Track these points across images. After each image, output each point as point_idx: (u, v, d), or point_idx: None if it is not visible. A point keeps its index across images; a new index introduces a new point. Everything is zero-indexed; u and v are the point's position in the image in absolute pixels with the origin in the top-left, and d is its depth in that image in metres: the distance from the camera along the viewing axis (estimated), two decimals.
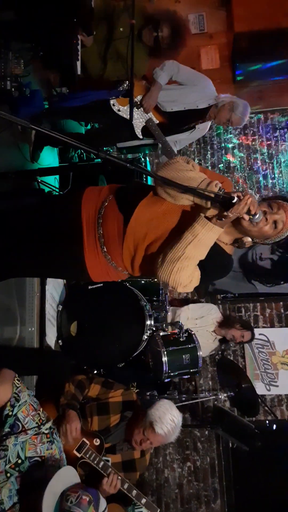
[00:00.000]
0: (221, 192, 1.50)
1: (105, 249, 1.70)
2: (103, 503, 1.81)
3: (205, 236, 1.51)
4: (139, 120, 2.97)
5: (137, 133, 3.01)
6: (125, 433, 2.32)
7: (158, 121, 2.99)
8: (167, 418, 2.18)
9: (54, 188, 3.14)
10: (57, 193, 3.13)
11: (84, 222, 1.72)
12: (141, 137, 3.04)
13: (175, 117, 3.00)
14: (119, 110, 2.92)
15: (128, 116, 2.83)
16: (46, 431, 1.90)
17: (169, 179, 1.54)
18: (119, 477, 2.15)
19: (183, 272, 1.53)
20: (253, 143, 4.40)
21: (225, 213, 1.47)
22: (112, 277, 1.81)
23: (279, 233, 1.60)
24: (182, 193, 1.58)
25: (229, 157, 4.42)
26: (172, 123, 3.02)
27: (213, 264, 1.62)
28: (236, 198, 1.45)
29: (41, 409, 1.93)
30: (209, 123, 3.12)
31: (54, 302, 2.87)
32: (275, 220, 1.57)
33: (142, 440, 2.22)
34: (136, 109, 2.90)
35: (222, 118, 2.92)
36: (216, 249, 1.61)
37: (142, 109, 2.91)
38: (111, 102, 2.90)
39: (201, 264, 1.58)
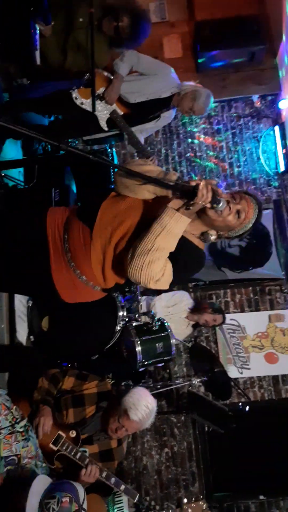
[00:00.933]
0: (180, 181, 1.53)
1: (73, 264, 1.69)
2: (81, 492, 1.82)
3: (173, 227, 1.52)
4: (103, 112, 2.94)
5: (102, 126, 2.99)
6: (101, 423, 2.34)
7: (122, 113, 2.97)
8: (142, 404, 2.21)
9: (19, 182, 3.08)
10: (22, 187, 3.08)
11: (50, 240, 1.71)
12: (106, 129, 3.02)
13: (139, 107, 2.98)
14: (82, 104, 2.88)
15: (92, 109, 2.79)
16: (20, 429, 1.90)
17: (132, 170, 1.56)
18: (97, 466, 2.17)
19: (154, 264, 1.51)
20: (218, 131, 4.45)
21: (191, 202, 1.49)
22: (84, 295, 1.78)
23: (242, 223, 1.62)
24: (142, 185, 1.60)
25: (195, 147, 4.45)
26: (136, 113, 3.01)
27: (186, 260, 1.63)
28: (198, 185, 1.48)
29: (14, 407, 1.92)
30: (174, 111, 3.12)
31: (23, 298, 2.83)
32: (237, 210, 1.60)
33: (117, 428, 2.24)
34: (99, 102, 2.87)
35: (184, 106, 2.92)
36: (187, 245, 1.63)
37: (105, 101, 2.89)
38: (74, 95, 2.85)
39: (174, 260, 1.58)
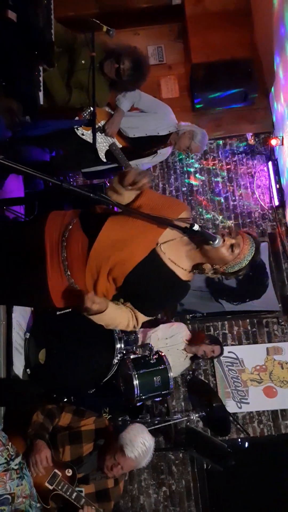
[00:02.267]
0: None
1: (69, 273, 1.72)
2: None
3: (96, 319, 1.71)
4: (102, 144, 3.05)
5: (101, 157, 3.08)
6: (98, 461, 2.28)
7: (121, 146, 3.08)
8: (138, 441, 2.16)
9: (19, 215, 3.13)
10: (22, 219, 3.13)
11: (48, 245, 1.73)
12: (105, 160, 3.11)
13: (137, 142, 3.10)
14: (83, 134, 3.00)
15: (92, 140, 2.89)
16: (15, 467, 1.84)
17: (135, 210, 1.63)
18: (93, 507, 2.10)
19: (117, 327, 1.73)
20: (214, 167, 4.58)
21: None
22: (72, 300, 1.79)
23: (236, 258, 1.63)
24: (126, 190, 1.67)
25: (192, 181, 4.56)
26: (134, 148, 3.12)
27: (163, 292, 1.69)
28: (196, 226, 1.54)
29: (10, 444, 1.87)
30: (170, 149, 3.24)
31: (21, 330, 2.82)
32: (232, 244, 1.62)
33: (113, 465, 2.18)
34: (99, 134, 2.99)
35: (182, 145, 3.06)
36: (168, 278, 1.66)
37: (105, 133, 3.00)
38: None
39: (148, 295, 1.68)
